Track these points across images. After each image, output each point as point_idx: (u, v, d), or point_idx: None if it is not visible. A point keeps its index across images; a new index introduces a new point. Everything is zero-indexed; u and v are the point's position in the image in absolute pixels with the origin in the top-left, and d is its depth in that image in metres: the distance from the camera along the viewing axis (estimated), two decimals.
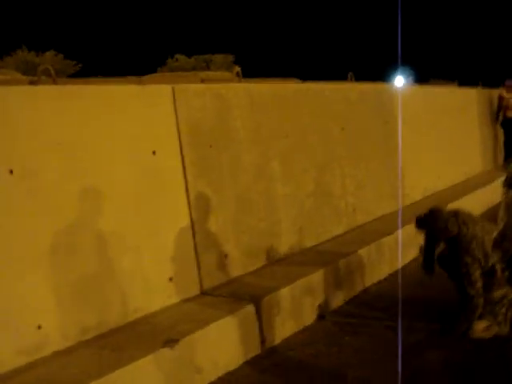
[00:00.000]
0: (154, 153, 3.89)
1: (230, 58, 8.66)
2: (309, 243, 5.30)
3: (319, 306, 4.42)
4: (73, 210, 3.36)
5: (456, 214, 3.84)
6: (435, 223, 3.80)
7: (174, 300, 3.96)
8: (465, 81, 11.30)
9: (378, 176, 6.59)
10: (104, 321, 3.49)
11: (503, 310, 3.70)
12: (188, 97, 4.20)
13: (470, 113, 10.07)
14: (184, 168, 4.12)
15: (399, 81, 8.89)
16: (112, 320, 3.54)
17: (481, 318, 3.68)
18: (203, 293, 4.16)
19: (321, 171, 5.58)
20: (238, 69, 4.83)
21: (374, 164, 6.51)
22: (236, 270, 4.49)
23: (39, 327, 3.14)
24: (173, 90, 4.08)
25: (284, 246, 4.98)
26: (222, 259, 4.38)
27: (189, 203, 4.14)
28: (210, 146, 4.35)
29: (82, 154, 3.43)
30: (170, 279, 3.93)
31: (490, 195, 7.72)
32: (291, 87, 5.35)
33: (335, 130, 5.85)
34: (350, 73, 6.48)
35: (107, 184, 3.56)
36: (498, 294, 3.70)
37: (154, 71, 10.63)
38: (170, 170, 4.04)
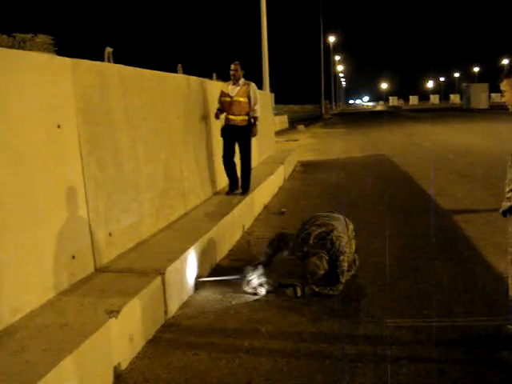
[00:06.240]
0: (58, 126, 3.76)
1: (49, 39, 8.02)
2: (163, 223, 5.57)
3: (195, 277, 4.78)
4: None
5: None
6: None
7: (79, 277, 3.89)
8: None
9: (201, 163, 7.15)
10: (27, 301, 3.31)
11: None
12: (81, 72, 4.12)
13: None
14: (80, 145, 4.04)
15: None
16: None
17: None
18: (97, 270, 4.15)
19: (168, 155, 5.88)
20: (109, 50, 4.82)
21: (198, 151, 7.05)
22: (118, 247, 4.55)
23: None
24: (72, 63, 3.98)
25: (147, 226, 5.17)
26: (107, 237, 4.39)
27: (84, 180, 4.08)
28: (97, 124, 4.33)
29: None
30: (73, 257, 3.85)
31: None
32: (151, 73, 5.53)
33: (172, 117, 6.19)
34: (179, 65, 6.87)
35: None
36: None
37: None
38: (71, 146, 3.93)
